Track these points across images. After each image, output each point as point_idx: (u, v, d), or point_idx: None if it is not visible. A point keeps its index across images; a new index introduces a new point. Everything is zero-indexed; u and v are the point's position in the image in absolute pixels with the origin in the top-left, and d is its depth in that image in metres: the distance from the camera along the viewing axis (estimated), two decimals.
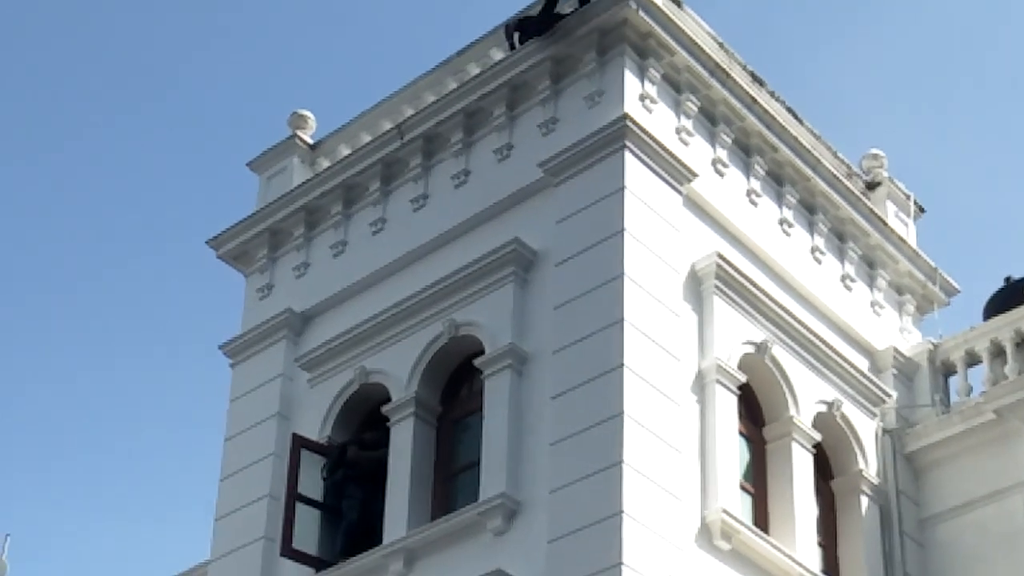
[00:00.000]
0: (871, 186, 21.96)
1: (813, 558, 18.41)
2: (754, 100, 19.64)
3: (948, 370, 20.99)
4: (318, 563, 18.68)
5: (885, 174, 22.15)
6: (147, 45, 44.63)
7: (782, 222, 20.06)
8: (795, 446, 18.72)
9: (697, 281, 18.39)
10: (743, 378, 18.30)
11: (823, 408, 19.33)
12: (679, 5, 19.79)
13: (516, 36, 19.47)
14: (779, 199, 20.14)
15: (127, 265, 44.75)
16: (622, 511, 16.10)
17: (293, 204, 21.13)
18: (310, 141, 22.08)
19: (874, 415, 20.06)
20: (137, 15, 44.47)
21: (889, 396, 20.28)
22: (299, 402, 20.05)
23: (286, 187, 21.51)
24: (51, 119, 44.54)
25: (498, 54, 20.08)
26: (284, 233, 21.32)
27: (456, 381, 18.93)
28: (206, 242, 21.91)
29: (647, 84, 18.66)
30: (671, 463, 16.95)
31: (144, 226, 44.67)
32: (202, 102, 45.22)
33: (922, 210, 22.53)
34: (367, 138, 21.04)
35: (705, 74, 19.11)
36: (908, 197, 22.32)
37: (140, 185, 45.07)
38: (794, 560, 17.84)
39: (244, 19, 44.94)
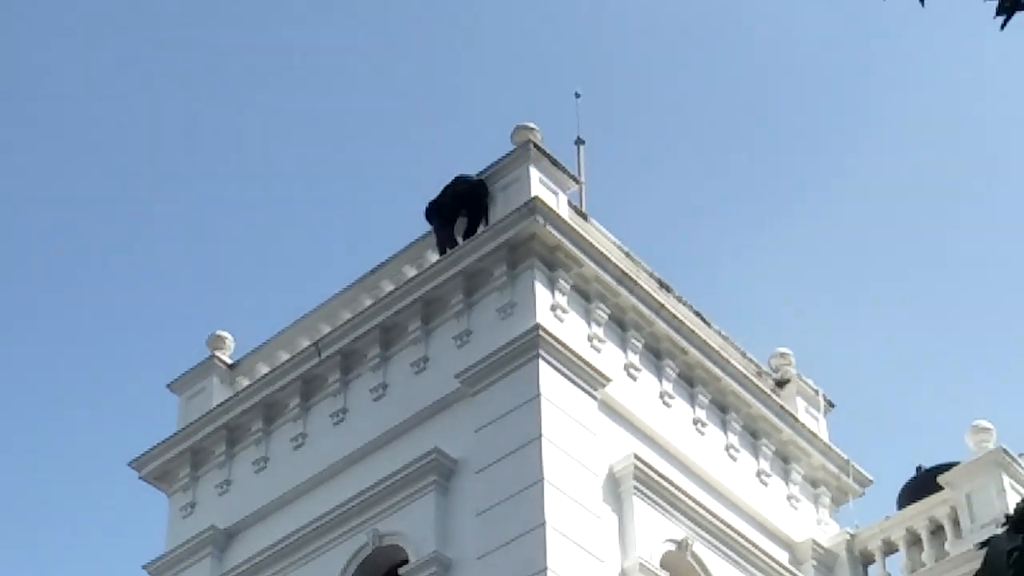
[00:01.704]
0: (780, 383, 22.46)
1: None
2: (662, 306, 20.21)
3: (867, 559, 21.30)
4: None
5: (793, 371, 22.68)
6: (66, 267, 44.98)
7: (696, 422, 20.50)
8: None
9: (616, 482, 18.72)
10: None
11: None
12: (585, 218, 20.45)
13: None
14: (692, 400, 20.60)
15: (50, 489, 44.47)
16: None
17: (214, 423, 21.34)
18: (229, 361, 22.36)
19: None
20: (54, 243, 44.87)
21: None
22: None
23: (206, 407, 21.73)
24: None
25: (411, 271, 20.58)
26: (206, 452, 21.50)
27: None
28: (128, 464, 22.02)
29: (557, 294, 19.17)
30: None
31: (66, 450, 44.52)
32: (120, 325, 45.44)
33: (831, 404, 23.03)
34: (285, 356, 21.37)
35: (613, 283, 19.67)
36: (817, 392, 22.83)
37: (61, 409, 45.02)
38: None
39: (160, 242, 45.43)
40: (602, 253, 19.67)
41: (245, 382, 21.83)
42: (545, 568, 17.05)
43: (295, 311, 21.95)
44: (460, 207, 20.13)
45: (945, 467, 21.25)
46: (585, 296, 19.59)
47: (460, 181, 20.22)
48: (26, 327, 44.94)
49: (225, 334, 22.57)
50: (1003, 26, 7.85)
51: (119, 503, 43.99)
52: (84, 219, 44.95)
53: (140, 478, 21.98)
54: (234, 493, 21.00)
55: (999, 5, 7.84)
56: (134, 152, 44.82)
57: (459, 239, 19.92)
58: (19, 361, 45.06)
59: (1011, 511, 7.91)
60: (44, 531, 44.12)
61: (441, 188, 20.43)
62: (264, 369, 21.68)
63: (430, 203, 20.42)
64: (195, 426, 21.53)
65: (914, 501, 21.33)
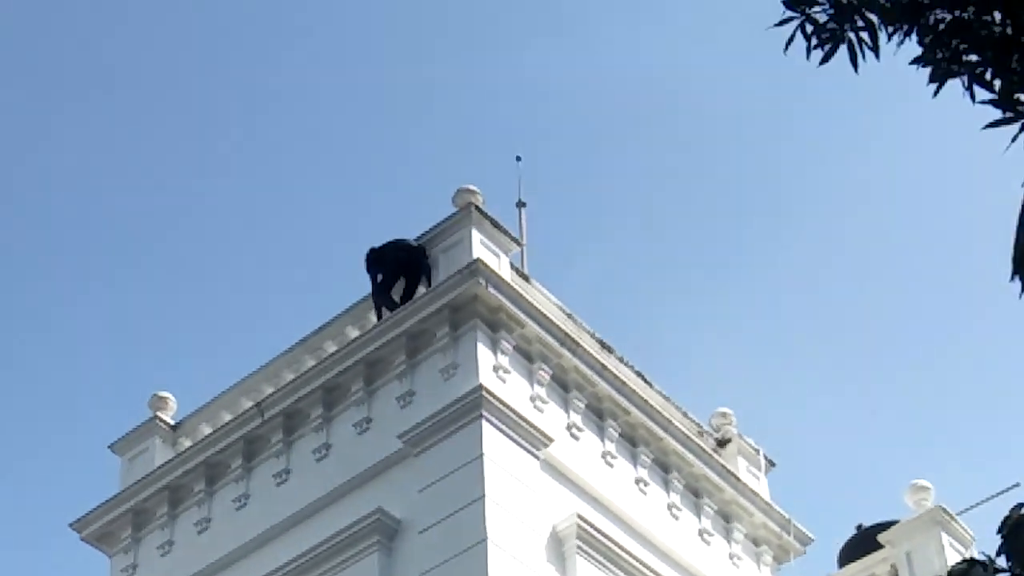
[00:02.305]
0: (722, 443, 22.58)
1: None
2: (604, 367, 20.32)
3: None
4: None
5: (734, 431, 22.80)
6: (6, 326, 44.72)
7: (638, 481, 20.59)
8: None
9: (559, 542, 18.76)
10: None
11: None
12: (527, 280, 20.58)
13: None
14: (634, 459, 20.69)
15: None
16: None
17: (156, 484, 21.28)
18: (171, 421, 22.31)
19: None
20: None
21: None
22: None
23: (148, 467, 21.65)
24: None
25: (354, 331, 20.63)
26: (148, 513, 21.42)
27: None
28: (69, 525, 21.90)
29: (500, 355, 19.26)
30: None
31: (6, 511, 44.17)
32: (62, 385, 45.20)
33: (772, 464, 23.15)
34: (228, 416, 21.35)
35: (555, 344, 19.78)
36: (758, 452, 22.96)
37: (2, 470, 44.71)
38: None
39: (102, 302, 45.28)
40: (544, 314, 19.79)
41: (187, 443, 21.79)
42: None
43: (238, 372, 21.97)
44: (399, 272, 20.23)
45: (885, 526, 21.43)
46: (527, 357, 19.69)
47: (399, 247, 20.29)
48: None
49: (167, 395, 22.53)
50: (936, 93, 8.03)
51: (60, 565, 43.61)
52: (24, 277, 44.77)
53: (82, 539, 21.86)
54: (176, 554, 20.92)
55: (932, 72, 8.02)
56: (74, 212, 44.73)
57: (397, 300, 20.00)
58: None
59: (950, 569, 8.04)
60: None
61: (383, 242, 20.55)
62: (207, 430, 21.64)
63: (371, 250, 20.48)
64: (137, 487, 21.45)
65: (855, 559, 21.49)
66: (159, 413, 22.32)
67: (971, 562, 7.74)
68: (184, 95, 44.91)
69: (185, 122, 45.01)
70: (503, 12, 45.93)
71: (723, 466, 21.81)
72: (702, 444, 21.69)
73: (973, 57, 7.72)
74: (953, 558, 20.10)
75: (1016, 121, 7.52)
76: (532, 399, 19.47)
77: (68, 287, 44.87)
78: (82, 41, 44.02)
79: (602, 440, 20.29)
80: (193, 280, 45.35)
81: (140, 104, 44.77)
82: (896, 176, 44.34)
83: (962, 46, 7.71)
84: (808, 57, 7.95)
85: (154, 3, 44.31)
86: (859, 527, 22.74)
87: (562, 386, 20.02)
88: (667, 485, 21.04)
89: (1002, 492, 20.74)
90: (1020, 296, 7.42)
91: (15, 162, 44.27)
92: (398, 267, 20.20)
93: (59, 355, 45.01)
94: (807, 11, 7.91)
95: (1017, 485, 20.73)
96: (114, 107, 44.58)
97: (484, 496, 17.96)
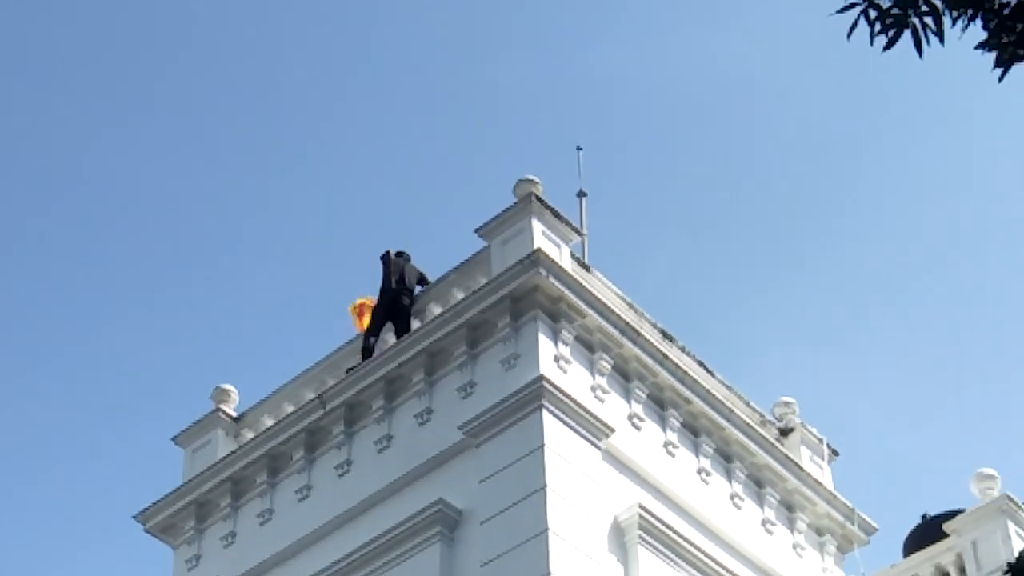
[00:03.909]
0: (784, 432, 22.48)
1: None
2: (665, 356, 20.25)
3: None
4: None
5: (797, 420, 22.69)
6: (71, 321, 45.06)
7: (700, 471, 20.51)
8: None
9: (621, 532, 18.72)
10: None
11: None
12: (587, 269, 20.52)
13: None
14: (696, 449, 20.62)
15: (56, 543, 44.47)
16: None
17: (219, 476, 21.37)
18: (233, 414, 22.40)
19: None
20: (59, 295, 44.99)
21: None
22: None
23: (211, 459, 21.76)
24: None
25: (415, 323, 20.65)
26: (211, 504, 21.52)
27: None
28: (133, 516, 22.06)
29: (561, 345, 19.23)
30: None
31: (71, 503, 44.53)
32: (125, 379, 45.50)
33: (836, 453, 23.03)
34: (290, 408, 21.42)
35: (616, 333, 19.73)
36: (821, 441, 22.84)
37: (66, 462, 45.07)
38: None
39: (165, 296, 45.57)
40: (605, 304, 19.73)
41: (250, 435, 21.87)
42: None
43: (299, 364, 22.05)
44: (387, 316, 20.61)
45: (950, 515, 21.28)
46: (588, 347, 19.64)
47: (388, 289, 20.69)
48: (30, 381, 45.02)
49: (230, 387, 22.62)
50: (1001, 78, 7.93)
51: (124, 556, 44.00)
52: (88, 272, 45.10)
53: (146, 531, 22.00)
54: (239, 546, 21.00)
55: (997, 57, 7.91)
56: (138, 208, 45.02)
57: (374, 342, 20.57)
58: (24, 415, 45.12)
59: (1016, 557, 7.96)
60: None
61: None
62: (269, 422, 21.72)
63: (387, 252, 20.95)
64: (200, 479, 21.56)
65: (919, 549, 21.36)
66: (222, 405, 22.42)
67: None
68: (245, 94, 45.16)
69: (249, 121, 45.24)
70: (570, 8, 45.91)
71: (786, 456, 21.70)
72: (765, 434, 21.59)
73: None
74: (1020, 547, 19.93)
75: None
76: (593, 389, 19.42)
77: (130, 283, 45.19)
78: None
79: (664, 430, 20.23)
80: (254, 273, 45.57)
81: (218, 103, 45.03)
82: (963, 166, 44.01)
83: None
84: (872, 43, 7.85)
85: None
86: (924, 516, 22.60)
87: (623, 376, 19.96)
88: (729, 475, 20.95)
89: None
90: None
91: (90, 163, 44.63)
92: (386, 313, 20.61)
93: (122, 350, 45.34)
94: None
95: None
96: (201, 110, 44.85)
97: (545, 486, 17.93)
